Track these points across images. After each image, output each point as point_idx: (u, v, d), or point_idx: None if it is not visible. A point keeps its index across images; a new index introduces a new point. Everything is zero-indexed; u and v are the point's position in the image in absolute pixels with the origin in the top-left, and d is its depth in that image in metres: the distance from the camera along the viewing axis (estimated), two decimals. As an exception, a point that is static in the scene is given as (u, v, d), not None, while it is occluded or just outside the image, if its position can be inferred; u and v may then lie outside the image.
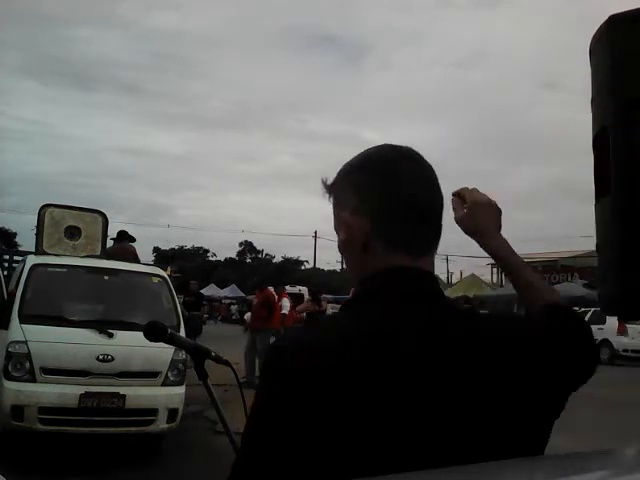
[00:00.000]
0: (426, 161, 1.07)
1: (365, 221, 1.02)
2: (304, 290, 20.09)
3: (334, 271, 60.85)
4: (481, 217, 1.20)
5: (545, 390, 1.00)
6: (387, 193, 1.02)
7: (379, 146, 1.08)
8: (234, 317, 41.71)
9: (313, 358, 0.88)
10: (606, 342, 19.82)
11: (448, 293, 36.09)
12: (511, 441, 0.95)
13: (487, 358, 0.96)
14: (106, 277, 6.96)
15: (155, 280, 7.12)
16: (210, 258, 70.83)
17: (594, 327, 20.14)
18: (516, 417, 0.96)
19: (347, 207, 1.04)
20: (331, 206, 1.10)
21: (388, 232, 1.01)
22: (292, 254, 65.96)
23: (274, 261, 65.28)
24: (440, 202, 1.07)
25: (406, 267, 1.00)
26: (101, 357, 5.89)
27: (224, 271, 58.28)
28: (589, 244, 20.08)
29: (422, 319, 0.96)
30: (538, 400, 0.99)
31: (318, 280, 46.01)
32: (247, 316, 30.69)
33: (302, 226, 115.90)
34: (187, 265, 48.97)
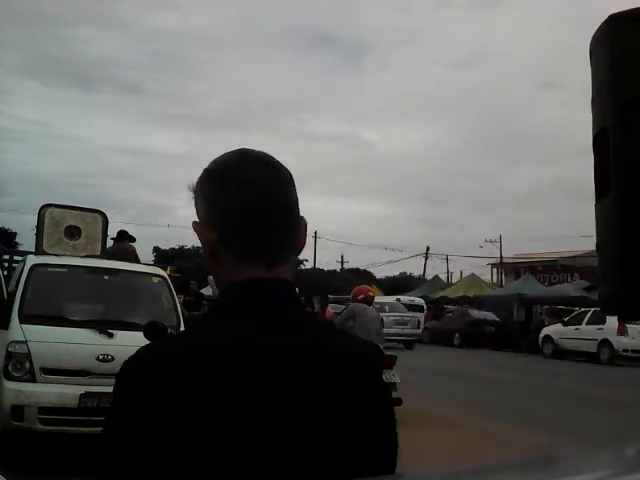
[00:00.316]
0: (281, 167, 1.05)
1: (212, 232, 1.01)
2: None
3: (334, 271, 60.87)
4: None
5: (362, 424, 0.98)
6: (234, 203, 1.00)
7: (232, 152, 1.05)
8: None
9: (152, 369, 0.92)
10: (606, 342, 19.83)
11: (448, 293, 36.16)
12: (336, 467, 0.94)
13: (334, 378, 0.96)
14: (106, 277, 6.97)
15: (155, 280, 7.13)
16: (210, 258, 70.71)
17: (594, 327, 20.19)
18: (340, 441, 0.95)
19: (200, 216, 1.03)
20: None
21: (237, 243, 1.00)
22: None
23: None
24: (294, 209, 1.04)
25: (258, 278, 0.99)
26: (101, 357, 5.88)
27: (224, 271, 58.13)
28: (589, 244, 20.09)
29: (267, 334, 0.95)
30: (358, 431, 0.97)
31: (318, 280, 45.97)
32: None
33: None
34: (187, 265, 48.94)
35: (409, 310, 28.26)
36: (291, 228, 1.03)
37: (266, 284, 0.99)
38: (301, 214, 1.06)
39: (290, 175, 1.05)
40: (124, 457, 0.89)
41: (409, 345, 23.12)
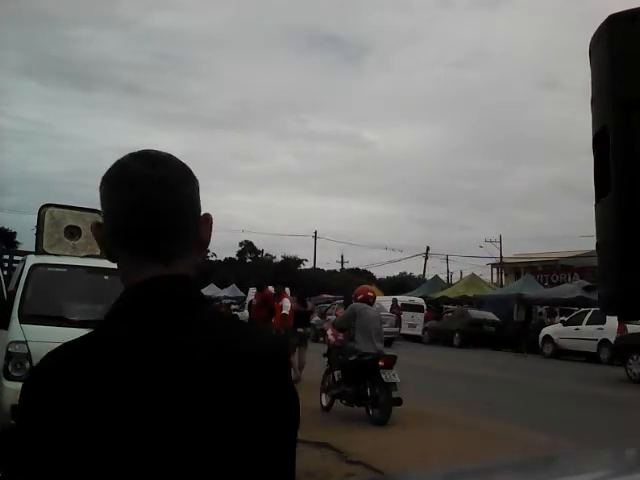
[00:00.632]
0: (177, 166, 1.06)
1: (106, 232, 1.04)
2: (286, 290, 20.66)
3: (334, 271, 60.86)
4: None
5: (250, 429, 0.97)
6: (122, 201, 1.02)
7: (131, 153, 1.07)
8: (234, 317, 41.80)
9: (44, 375, 0.96)
10: (606, 342, 19.82)
11: (448, 293, 36.14)
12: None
13: (227, 376, 0.96)
14: (106, 277, 6.96)
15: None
16: (210, 258, 70.93)
17: (594, 327, 20.18)
18: (227, 450, 0.95)
19: (102, 217, 1.06)
20: None
21: (127, 241, 1.02)
22: (292, 254, 65.98)
23: (274, 261, 65.31)
24: (191, 206, 1.06)
25: (153, 277, 1.00)
26: (101, 357, 5.89)
27: (224, 271, 58.31)
28: (589, 244, 20.08)
29: (162, 334, 0.96)
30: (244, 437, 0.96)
31: (318, 280, 45.98)
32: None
33: (302, 226, 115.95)
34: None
35: (409, 310, 28.44)
36: (186, 225, 1.04)
37: (161, 282, 1.00)
38: (206, 211, 1.08)
39: (188, 174, 1.07)
40: (24, 459, 0.92)
41: (388, 342, 23.46)
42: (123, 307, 1.01)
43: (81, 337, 0.99)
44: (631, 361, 15.75)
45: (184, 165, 1.07)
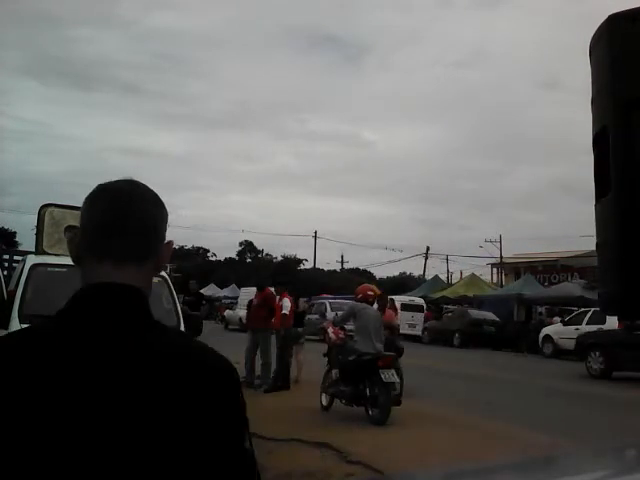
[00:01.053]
0: (150, 192, 1.16)
1: (79, 241, 1.12)
2: None
3: (334, 271, 60.85)
4: None
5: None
6: (93, 213, 1.11)
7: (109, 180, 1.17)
8: (234, 317, 41.72)
9: None
10: (606, 342, 19.81)
11: (448, 293, 36.12)
12: None
13: (133, 401, 0.97)
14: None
15: (155, 280, 7.08)
16: (210, 258, 70.89)
17: (594, 327, 20.16)
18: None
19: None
20: None
21: (92, 247, 1.09)
22: (292, 254, 65.94)
23: (274, 261, 65.27)
24: (154, 225, 1.14)
25: (97, 284, 1.06)
26: (101, 357, 5.88)
27: (224, 271, 58.26)
28: (589, 244, 20.06)
29: (93, 335, 0.99)
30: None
31: (318, 280, 45.96)
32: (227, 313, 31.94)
33: (302, 226, 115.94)
34: (187, 265, 49.07)
35: (409, 310, 28.42)
36: (148, 242, 1.13)
37: (109, 288, 1.05)
38: (169, 239, 1.18)
39: (159, 201, 1.17)
40: None
41: None
42: (70, 306, 1.05)
43: (23, 329, 1.04)
44: (590, 358, 16.22)
45: (157, 194, 1.17)
